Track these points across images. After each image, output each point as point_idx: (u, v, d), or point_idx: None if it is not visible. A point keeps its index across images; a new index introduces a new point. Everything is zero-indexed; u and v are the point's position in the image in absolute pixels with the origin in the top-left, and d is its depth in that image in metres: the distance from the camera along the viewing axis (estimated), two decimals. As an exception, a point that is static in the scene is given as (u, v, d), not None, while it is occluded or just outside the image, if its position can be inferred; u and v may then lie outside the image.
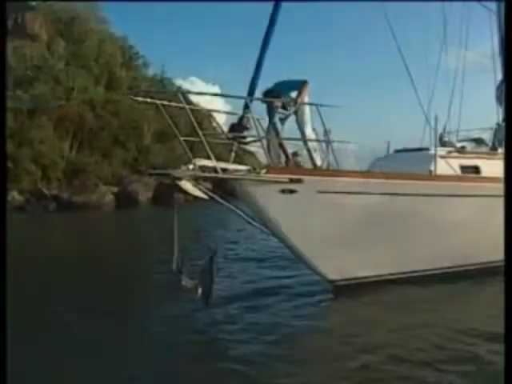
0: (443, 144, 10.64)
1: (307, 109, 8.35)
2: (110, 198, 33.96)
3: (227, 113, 7.91)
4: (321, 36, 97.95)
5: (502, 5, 11.34)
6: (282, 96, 8.37)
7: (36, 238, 17.57)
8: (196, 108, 7.12)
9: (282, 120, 8.51)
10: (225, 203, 7.53)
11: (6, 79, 12.03)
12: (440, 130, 10.96)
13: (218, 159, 7.21)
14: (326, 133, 7.76)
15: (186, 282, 6.77)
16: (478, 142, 11.12)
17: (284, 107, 8.48)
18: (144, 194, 34.77)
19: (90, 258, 12.39)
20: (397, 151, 10.49)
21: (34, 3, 40.04)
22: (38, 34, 38.58)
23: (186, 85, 53.65)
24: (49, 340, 6.11)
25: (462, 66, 11.96)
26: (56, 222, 26.08)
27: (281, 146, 8.28)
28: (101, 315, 7.05)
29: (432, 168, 8.78)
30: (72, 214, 27.84)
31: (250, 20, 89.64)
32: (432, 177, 8.54)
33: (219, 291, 7.44)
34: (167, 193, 35.06)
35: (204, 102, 52.33)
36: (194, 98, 52.03)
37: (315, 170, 8.03)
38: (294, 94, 8.42)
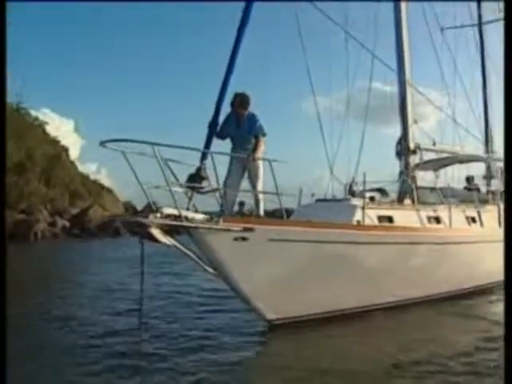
0: (352, 193, 11.69)
1: (261, 165, 8.82)
2: (-39, 233, 31.15)
3: (190, 164, 8.20)
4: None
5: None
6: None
7: None
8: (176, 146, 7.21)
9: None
10: (185, 250, 7.71)
11: (6, 80, 11.15)
12: (348, 180, 12.06)
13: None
14: (276, 186, 8.30)
15: None
16: (382, 192, 12.18)
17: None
18: (-3, 230, 32.37)
19: None
20: (318, 200, 11.33)
21: None
22: None
23: (39, 116, 50.84)
24: None
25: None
26: None
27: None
28: None
29: (356, 217, 9.71)
30: None
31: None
32: (365, 227, 9.45)
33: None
34: (22, 229, 33.32)
35: (61, 137, 49.80)
36: (52, 132, 49.55)
37: (266, 220, 8.52)
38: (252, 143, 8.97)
